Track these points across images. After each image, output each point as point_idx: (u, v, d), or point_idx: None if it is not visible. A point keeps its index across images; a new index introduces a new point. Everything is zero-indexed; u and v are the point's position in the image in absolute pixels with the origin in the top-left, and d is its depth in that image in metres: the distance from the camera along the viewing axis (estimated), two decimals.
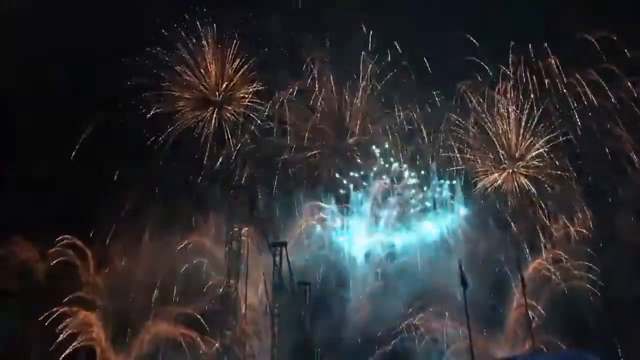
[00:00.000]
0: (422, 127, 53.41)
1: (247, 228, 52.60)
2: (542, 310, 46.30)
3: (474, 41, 52.18)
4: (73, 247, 50.84)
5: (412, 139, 53.24)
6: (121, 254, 51.46)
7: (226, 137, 52.08)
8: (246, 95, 52.94)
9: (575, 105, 50.87)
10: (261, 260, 52.22)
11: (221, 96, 52.36)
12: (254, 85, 53.04)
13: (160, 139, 51.62)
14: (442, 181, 53.28)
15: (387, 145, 52.17)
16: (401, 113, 53.26)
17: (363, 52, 53.54)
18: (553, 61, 51.76)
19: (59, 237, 49.97)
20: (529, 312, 46.32)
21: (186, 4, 53.87)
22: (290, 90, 52.31)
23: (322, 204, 52.64)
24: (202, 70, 53.16)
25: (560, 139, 51.81)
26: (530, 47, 51.95)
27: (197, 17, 53.80)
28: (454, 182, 53.26)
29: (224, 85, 52.79)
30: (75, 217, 49.73)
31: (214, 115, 51.98)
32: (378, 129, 53.70)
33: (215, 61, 53.62)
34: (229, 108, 52.61)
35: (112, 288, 51.60)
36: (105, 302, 51.45)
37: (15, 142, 50.72)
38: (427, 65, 52.50)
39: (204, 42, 53.69)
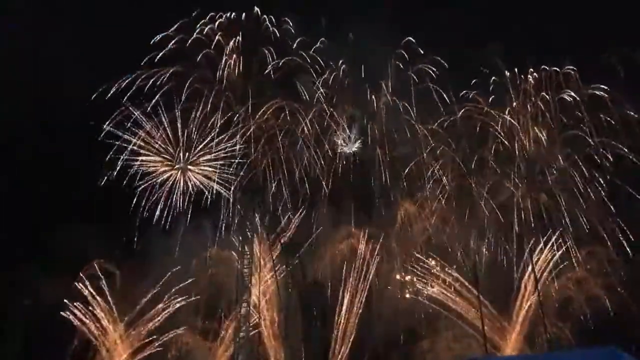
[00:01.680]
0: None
1: (261, 243, 53.34)
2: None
3: (498, 60, 52.52)
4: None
5: (433, 153, 53.35)
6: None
7: (252, 152, 51.73)
8: (269, 110, 52.43)
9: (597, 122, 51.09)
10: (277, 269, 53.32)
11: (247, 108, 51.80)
12: (276, 100, 52.48)
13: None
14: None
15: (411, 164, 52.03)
16: (421, 126, 53.31)
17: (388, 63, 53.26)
18: (574, 76, 52.08)
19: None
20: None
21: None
22: (314, 110, 51.92)
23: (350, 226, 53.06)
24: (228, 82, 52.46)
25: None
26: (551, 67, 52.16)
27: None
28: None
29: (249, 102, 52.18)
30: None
31: (239, 129, 51.47)
32: (400, 144, 53.81)
33: (238, 73, 53.11)
34: (253, 122, 52.08)
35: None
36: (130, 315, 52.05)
37: None
38: (449, 79, 52.59)
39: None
